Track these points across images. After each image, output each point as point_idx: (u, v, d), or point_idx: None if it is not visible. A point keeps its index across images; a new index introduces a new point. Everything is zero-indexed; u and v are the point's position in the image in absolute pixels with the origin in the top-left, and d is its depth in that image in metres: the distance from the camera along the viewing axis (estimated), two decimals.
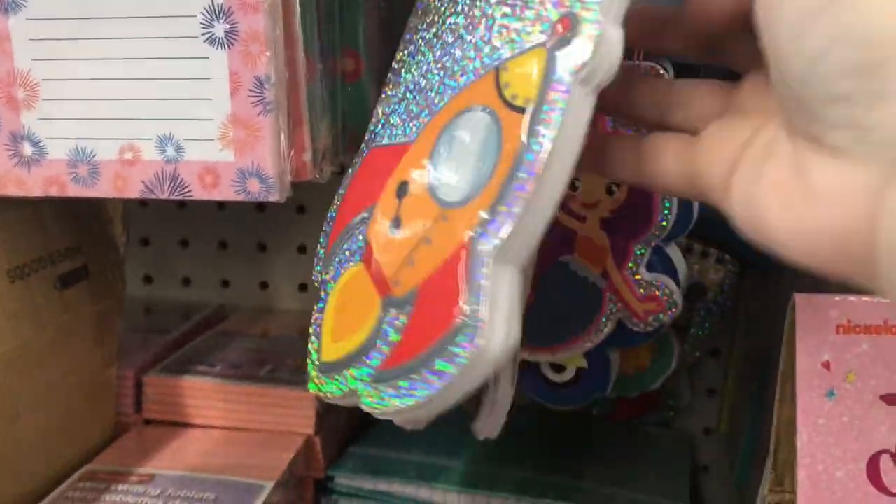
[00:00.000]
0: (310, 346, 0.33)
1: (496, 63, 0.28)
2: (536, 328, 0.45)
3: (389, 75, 0.36)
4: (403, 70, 0.35)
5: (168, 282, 0.69)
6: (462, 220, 0.27)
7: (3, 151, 0.37)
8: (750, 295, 0.59)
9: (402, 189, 0.30)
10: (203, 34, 0.35)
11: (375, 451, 0.56)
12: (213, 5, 0.34)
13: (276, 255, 0.67)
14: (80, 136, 0.37)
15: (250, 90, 0.35)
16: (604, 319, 0.44)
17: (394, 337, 0.28)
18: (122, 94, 0.36)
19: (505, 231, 0.26)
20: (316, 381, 0.32)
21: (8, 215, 0.44)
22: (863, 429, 0.28)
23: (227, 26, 0.34)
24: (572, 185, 0.42)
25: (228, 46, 0.35)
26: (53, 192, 0.37)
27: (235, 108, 0.35)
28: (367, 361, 0.29)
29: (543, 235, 0.27)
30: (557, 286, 0.45)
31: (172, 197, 0.36)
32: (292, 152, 0.37)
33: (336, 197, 0.36)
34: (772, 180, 0.23)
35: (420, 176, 0.30)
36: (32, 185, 0.37)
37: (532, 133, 0.26)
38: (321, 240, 0.35)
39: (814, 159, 0.22)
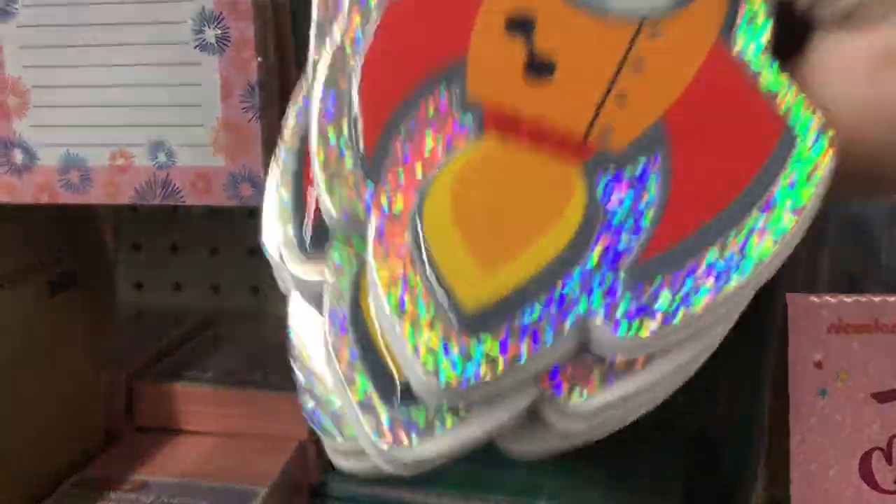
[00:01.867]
0: (412, 317, 0.20)
1: None
2: None
3: None
4: None
5: (159, 287, 0.69)
6: (696, 20, 0.21)
7: None
8: None
9: (523, 23, 0.22)
10: (194, 40, 0.35)
11: None
12: (205, 11, 0.34)
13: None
14: (71, 143, 0.37)
15: (241, 95, 0.35)
16: None
17: (649, 197, 0.20)
18: (113, 101, 0.36)
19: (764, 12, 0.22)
20: (450, 365, 0.20)
21: None
22: (855, 427, 0.29)
23: (219, 32, 0.34)
24: None
25: (220, 52, 0.35)
26: (45, 199, 0.37)
27: (226, 114, 0.35)
28: (604, 256, 0.20)
29: None
30: None
31: (165, 203, 0.36)
32: None
33: (316, 76, 0.25)
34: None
35: None
36: (23, 192, 0.37)
37: None
38: (333, 137, 0.23)
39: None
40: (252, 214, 0.67)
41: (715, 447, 0.64)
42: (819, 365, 0.29)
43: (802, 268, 0.44)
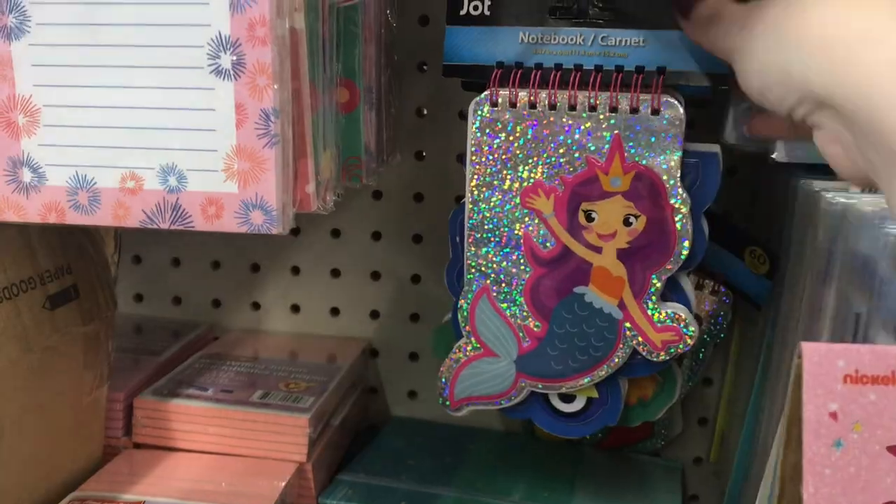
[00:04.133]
0: None
1: None
2: (551, 359, 0.45)
3: None
4: None
5: (159, 301, 0.68)
6: None
7: (1, 177, 0.37)
8: (743, 325, 0.59)
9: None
10: (209, 65, 0.34)
11: (366, 479, 0.56)
12: (221, 36, 0.34)
13: (269, 276, 0.67)
14: (80, 164, 0.36)
15: (256, 122, 0.34)
16: (620, 350, 0.44)
17: None
18: (125, 123, 0.35)
19: None
20: None
21: None
22: (869, 480, 0.28)
23: (234, 58, 0.34)
24: (588, 217, 0.43)
25: (235, 78, 0.34)
26: (52, 219, 0.37)
27: (241, 140, 0.35)
28: None
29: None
30: (572, 317, 0.44)
31: (174, 227, 0.36)
32: (296, 184, 0.37)
33: None
34: None
35: None
36: (31, 211, 0.37)
37: None
38: None
39: None
40: None
41: (712, 477, 0.64)
42: (834, 416, 0.29)
43: (806, 305, 0.44)
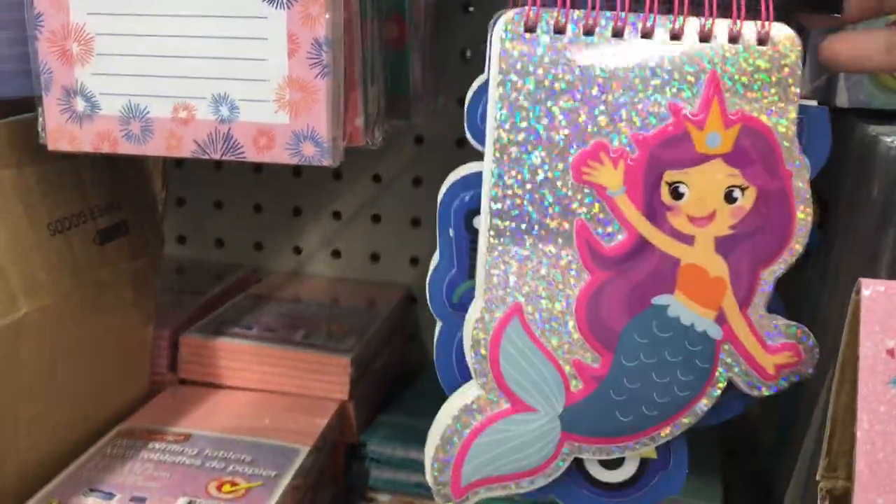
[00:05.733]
0: None
1: None
2: (616, 408, 0.32)
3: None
4: None
5: (201, 243, 0.69)
6: None
7: (55, 106, 0.37)
8: (785, 275, 0.58)
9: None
10: None
11: (407, 420, 0.56)
12: None
13: (311, 219, 0.67)
14: (133, 93, 0.36)
15: (308, 52, 0.34)
16: (715, 385, 0.32)
17: None
18: (178, 52, 0.35)
19: None
20: None
21: (47, 168, 0.43)
22: None
23: None
24: (675, 193, 0.31)
25: (287, 6, 0.34)
26: (105, 148, 0.37)
27: (292, 70, 0.35)
28: None
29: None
30: (650, 342, 0.31)
31: (225, 158, 0.36)
32: (345, 117, 0.36)
33: None
34: None
35: None
36: (84, 140, 0.37)
37: None
38: None
39: None
40: (297, 174, 0.67)
41: (751, 427, 0.64)
42: (892, 353, 0.28)
43: (861, 255, 0.43)
